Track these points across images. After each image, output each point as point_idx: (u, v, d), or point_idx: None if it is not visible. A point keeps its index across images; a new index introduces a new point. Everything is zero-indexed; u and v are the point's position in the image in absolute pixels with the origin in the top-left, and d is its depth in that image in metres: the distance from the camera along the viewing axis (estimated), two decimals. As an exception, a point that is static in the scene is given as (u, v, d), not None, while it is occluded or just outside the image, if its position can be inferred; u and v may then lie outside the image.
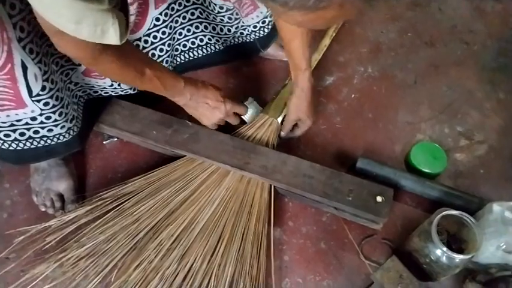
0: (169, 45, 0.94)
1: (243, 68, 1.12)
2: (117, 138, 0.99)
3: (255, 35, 1.02)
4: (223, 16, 0.95)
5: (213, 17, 0.96)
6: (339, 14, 0.41)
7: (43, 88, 0.72)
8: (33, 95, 0.72)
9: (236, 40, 1.03)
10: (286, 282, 0.85)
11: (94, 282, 0.80)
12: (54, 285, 0.82)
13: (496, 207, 0.78)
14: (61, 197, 0.90)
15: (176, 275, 0.80)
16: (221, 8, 0.93)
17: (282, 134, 0.96)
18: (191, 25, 0.96)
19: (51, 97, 0.75)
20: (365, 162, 0.92)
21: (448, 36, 1.16)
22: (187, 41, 0.99)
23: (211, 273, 0.80)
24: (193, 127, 0.93)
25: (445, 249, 0.71)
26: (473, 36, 1.16)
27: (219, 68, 1.10)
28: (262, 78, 1.10)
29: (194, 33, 0.98)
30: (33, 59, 0.69)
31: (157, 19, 0.88)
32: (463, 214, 0.73)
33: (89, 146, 0.99)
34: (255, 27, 1.00)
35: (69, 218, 0.85)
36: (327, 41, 1.10)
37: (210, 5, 0.93)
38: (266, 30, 1.02)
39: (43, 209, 0.90)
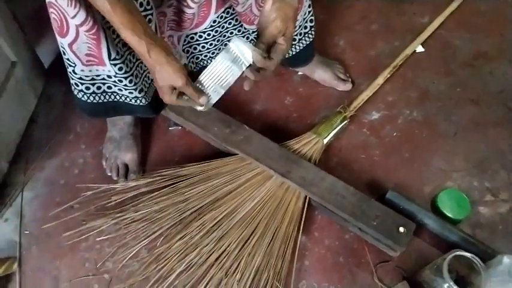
0: (218, 40, 1.02)
1: (300, 89, 1.24)
2: (181, 126, 1.13)
3: None
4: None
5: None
6: None
7: (117, 53, 0.82)
8: (112, 58, 0.82)
9: None
10: (303, 283, 0.94)
11: (141, 244, 0.93)
12: (107, 239, 0.95)
13: (506, 259, 0.84)
14: (126, 166, 1.04)
15: (211, 254, 0.91)
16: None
17: (256, 58, 0.74)
18: (241, 26, 1.02)
19: (123, 63, 0.84)
20: (395, 195, 1.01)
21: (493, 99, 1.24)
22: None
23: (241, 259, 0.91)
24: (248, 131, 1.05)
25: (451, 283, 0.79)
26: (517, 104, 1.24)
27: (280, 83, 1.23)
28: (315, 102, 1.21)
29: (243, 33, 1.05)
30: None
31: (214, 21, 0.97)
32: (474, 257, 0.82)
33: (156, 128, 1.13)
34: None
35: (132, 185, 0.99)
36: (380, 81, 1.21)
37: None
38: (291, 53, 1.11)
39: (109, 173, 1.05)
